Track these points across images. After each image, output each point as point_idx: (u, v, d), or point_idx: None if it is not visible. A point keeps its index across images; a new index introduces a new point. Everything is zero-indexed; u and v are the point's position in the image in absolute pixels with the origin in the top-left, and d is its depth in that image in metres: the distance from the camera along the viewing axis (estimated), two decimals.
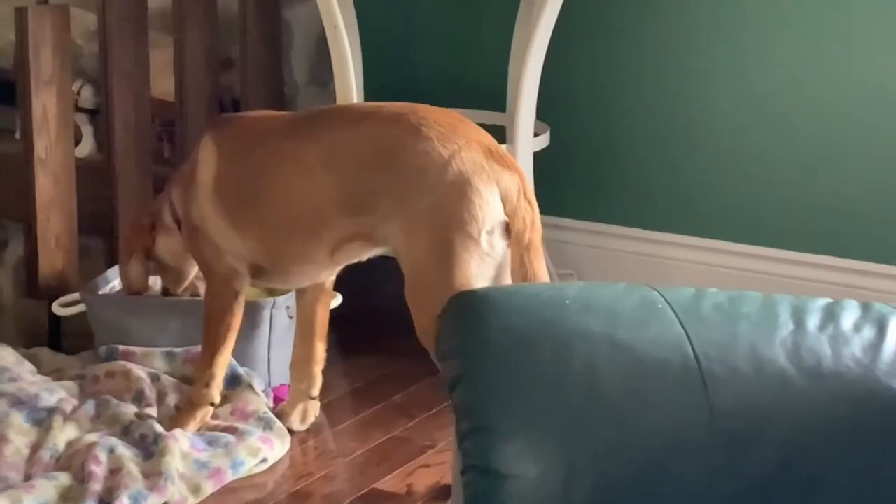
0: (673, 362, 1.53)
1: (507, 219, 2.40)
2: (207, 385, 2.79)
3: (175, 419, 2.79)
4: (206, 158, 2.72)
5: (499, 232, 2.40)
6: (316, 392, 2.92)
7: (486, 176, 2.40)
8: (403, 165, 2.44)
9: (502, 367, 1.50)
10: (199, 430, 2.79)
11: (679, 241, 3.65)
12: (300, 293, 2.88)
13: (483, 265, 2.37)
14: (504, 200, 2.40)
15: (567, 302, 1.56)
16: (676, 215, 3.67)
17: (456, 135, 2.43)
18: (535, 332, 1.53)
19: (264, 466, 2.76)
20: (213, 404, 2.81)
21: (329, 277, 2.83)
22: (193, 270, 2.97)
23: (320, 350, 2.90)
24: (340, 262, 2.72)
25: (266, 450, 2.76)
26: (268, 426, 2.82)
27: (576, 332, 1.53)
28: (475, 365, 1.51)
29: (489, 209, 2.38)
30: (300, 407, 2.92)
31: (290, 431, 2.88)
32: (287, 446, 2.83)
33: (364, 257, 2.72)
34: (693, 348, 1.54)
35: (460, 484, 1.51)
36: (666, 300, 1.59)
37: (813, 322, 1.59)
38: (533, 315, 1.54)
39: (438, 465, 2.79)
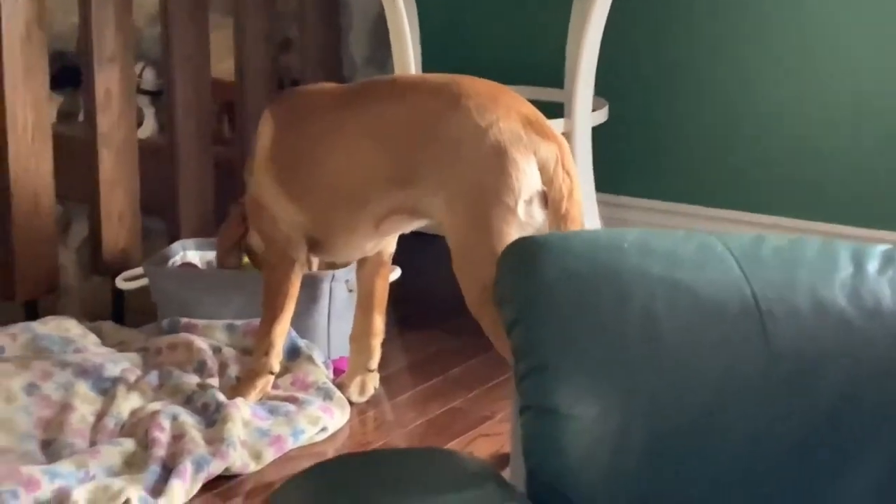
0: (732, 304, 1.53)
1: (544, 189, 2.41)
2: (267, 354, 2.81)
3: (236, 388, 2.82)
4: (264, 130, 2.77)
5: (537, 202, 2.41)
6: (374, 365, 2.94)
7: (523, 146, 2.41)
8: (442, 137, 2.46)
9: (560, 308, 1.51)
10: (259, 399, 2.82)
11: (738, 218, 3.64)
12: (359, 266, 2.90)
13: (523, 235, 2.38)
14: (542, 170, 2.41)
15: (625, 245, 1.57)
16: (736, 192, 3.65)
17: (495, 105, 2.45)
18: (592, 274, 1.53)
19: (324, 435, 2.78)
20: (272, 373, 2.84)
21: (379, 249, 2.85)
22: None
23: (379, 323, 2.91)
24: (386, 235, 2.74)
25: (326, 419, 2.78)
26: (328, 396, 2.84)
27: (634, 275, 1.53)
28: (533, 306, 1.52)
29: (526, 179, 2.40)
30: (359, 379, 2.94)
31: (350, 403, 2.90)
32: (347, 416, 2.85)
33: (408, 230, 2.74)
34: (752, 290, 1.54)
35: (518, 424, 1.52)
36: (725, 244, 1.59)
37: (872, 266, 1.59)
38: (591, 258, 1.55)
39: (497, 434, 2.80)
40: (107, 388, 2.80)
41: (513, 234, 2.37)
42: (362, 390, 2.94)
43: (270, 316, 2.80)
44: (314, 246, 2.78)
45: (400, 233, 2.75)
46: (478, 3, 3.87)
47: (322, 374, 2.93)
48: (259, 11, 3.66)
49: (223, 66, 3.67)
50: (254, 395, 2.81)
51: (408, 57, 3.26)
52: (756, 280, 1.55)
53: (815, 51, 3.49)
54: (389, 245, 2.87)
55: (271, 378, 2.84)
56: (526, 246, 1.60)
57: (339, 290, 3.04)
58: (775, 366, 1.50)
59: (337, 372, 3.03)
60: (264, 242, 2.83)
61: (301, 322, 2.94)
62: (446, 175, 2.46)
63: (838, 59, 3.47)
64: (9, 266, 3.18)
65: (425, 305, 3.50)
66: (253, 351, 2.86)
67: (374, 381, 2.96)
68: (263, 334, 2.82)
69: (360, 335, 2.93)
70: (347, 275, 3.04)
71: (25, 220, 3.17)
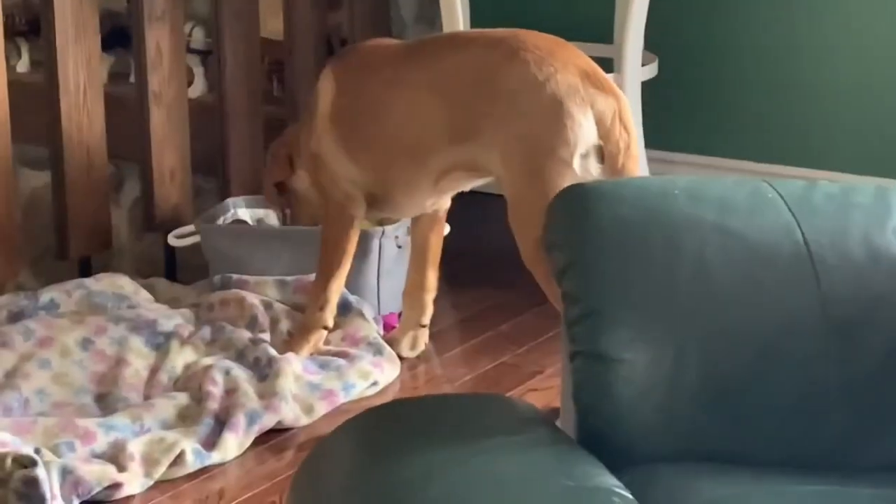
0: (783, 249, 1.52)
1: (601, 143, 2.40)
2: (322, 309, 2.83)
3: (289, 343, 2.84)
4: (325, 87, 2.77)
5: (593, 156, 2.40)
6: (426, 320, 2.95)
7: (579, 99, 2.40)
8: (500, 90, 2.46)
9: (612, 254, 1.51)
10: (311, 354, 2.84)
11: (789, 173, 3.61)
12: (414, 222, 2.91)
13: None
14: (598, 124, 2.40)
15: (676, 192, 1.57)
16: (787, 146, 3.63)
17: (553, 58, 2.44)
18: (644, 220, 1.53)
19: (375, 389, 2.80)
20: (326, 328, 2.85)
21: (435, 206, 2.85)
22: None
23: (432, 278, 2.92)
24: (445, 192, 2.74)
25: (377, 373, 2.80)
26: (378, 351, 2.86)
27: (685, 221, 1.53)
28: (585, 252, 1.52)
29: (582, 133, 2.39)
30: (411, 334, 2.95)
31: (400, 358, 2.91)
32: (397, 371, 2.87)
33: (468, 187, 2.74)
34: (804, 236, 1.53)
35: (569, 371, 1.52)
36: (776, 190, 1.59)
37: None
38: (642, 204, 1.55)
39: (547, 388, 2.81)
40: (160, 343, 2.83)
41: None
42: (414, 345, 2.95)
43: (327, 271, 2.81)
44: (373, 202, 2.78)
45: (460, 190, 2.75)
46: None
47: (372, 329, 2.94)
48: None
49: (272, 24, 3.67)
50: (306, 349, 2.83)
51: (456, 14, 3.26)
52: (808, 226, 1.54)
53: (863, 8, 3.45)
54: (445, 201, 2.87)
55: (324, 333, 2.86)
56: (577, 192, 1.60)
57: (389, 247, 3.05)
58: (828, 311, 1.50)
59: (387, 327, 3.04)
60: (323, 199, 2.83)
61: (351, 278, 2.94)
62: (503, 128, 2.46)
63: (891, 8, 3.43)
64: (63, 224, 3.21)
65: (474, 262, 3.50)
66: (307, 306, 2.87)
67: (424, 337, 2.97)
68: (319, 289, 2.83)
69: (413, 290, 2.94)
70: (397, 231, 3.05)
71: (78, 178, 3.20)
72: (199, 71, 3.85)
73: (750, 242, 1.53)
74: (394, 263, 3.06)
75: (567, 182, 2.34)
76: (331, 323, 2.85)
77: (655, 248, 1.52)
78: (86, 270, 3.26)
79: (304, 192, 2.94)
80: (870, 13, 3.45)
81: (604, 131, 2.40)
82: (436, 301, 2.98)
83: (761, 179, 1.62)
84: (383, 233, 3.03)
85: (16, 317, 2.88)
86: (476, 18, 3.55)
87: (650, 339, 1.48)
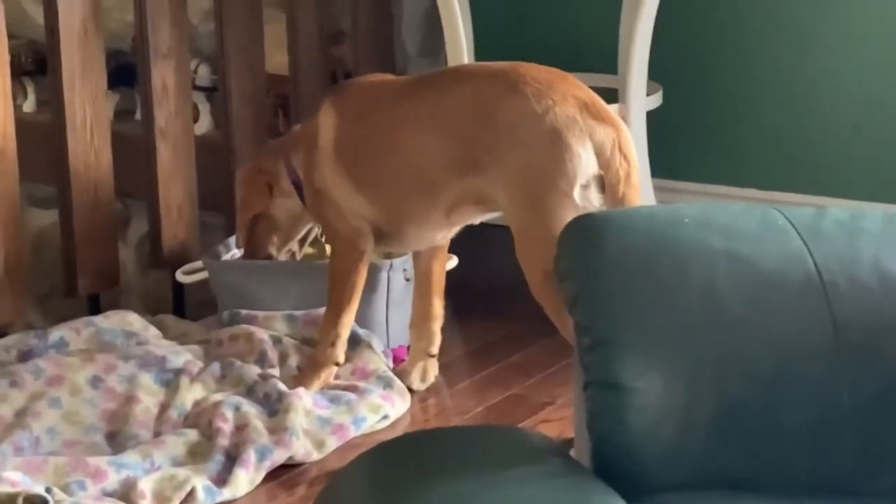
0: (794, 276, 1.52)
1: (601, 173, 2.41)
2: (333, 345, 2.82)
3: (299, 379, 2.84)
4: (327, 123, 2.77)
5: (594, 186, 2.41)
6: (435, 350, 2.95)
7: (578, 130, 2.41)
8: (500, 123, 2.48)
9: (622, 282, 1.51)
10: (321, 389, 2.83)
11: (795, 201, 3.61)
12: (416, 252, 2.91)
13: None
14: (598, 154, 2.41)
15: (685, 220, 1.57)
16: (795, 174, 3.63)
17: (552, 90, 2.46)
18: (653, 248, 1.53)
19: (386, 423, 2.79)
20: (337, 364, 2.85)
21: (445, 239, 2.86)
22: (300, 233, 3.03)
23: (438, 307, 2.92)
24: (456, 224, 2.74)
25: (387, 407, 2.80)
26: (388, 384, 2.86)
27: (695, 248, 1.53)
28: (595, 281, 1.52)
29: (581, 164, 2.40)
30: (420, 365, 2.95)
31: (410, 390, 2.91)
32: (407, 404, 2.86)
33: (478, 220, 2.74)
34: (814, 262, 1.53)
35: (582, 401, 1.52)
36: (786, 217, 1.59)
37: None
38: (651, 233, 1.55)
39: (558, 420, 2.80)
40: (170, 380, 2.82)
41: (569, 218, 2.35)
42: (424, 377, 2.95)
43: (337, 307, 2.81)
44: (382, 237, 2.79)
45: (471, 222, 2.75)
46: None
47: (382, 362, 2.94)
48: (312, 5, 3.67)
49: (277, 59, 3.68)
50: (317, 385, 2.82)
51: (460, 47, 3.27)
52: (818, 252, 1.54)
53: (869, 35, 3.46)
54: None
55: (335, 369, 2.86)
56: (586, 223, 1.60)
57: (397, 280, 3.05)
58: (840, 337, 1.50)
59: (396, 360, 3.04)
60: (329, 234, 2.84)
61: (360, 311, 2.94)
62: (505, 161, 2.47)
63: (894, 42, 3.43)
64: (71, 262, 3.21)
65: (482, 293, 3.50)
66: (318, 341, 2.87)
67: (434, 369, 2.97)
68: (330, 325, 2.83)
69: (419, 320, 2.93)
70: (405, 264, 3.05)
71: (86, 216, 3.20)
72: (204, 107, 3.86)
73: (760, 269, 1.53)
74: (402, 296, 3.06)
75: (568, 213, 2.35)
76: (342, 359, 2.85)
77: (666, 276, 1.52)
78: (94, 308, 3.26)
79: (280, 222, 2.96)
80: (879, 40, 3.46)
81: (603, 161, 2.41)
82: (445, 333, 2.98)
83: (770, 206, 1.62)
84: (391, 266, 3.03)
85: (25, 356, 2.88)
86: (480, 51, 3.56)
87: (662, 367, 1.48)
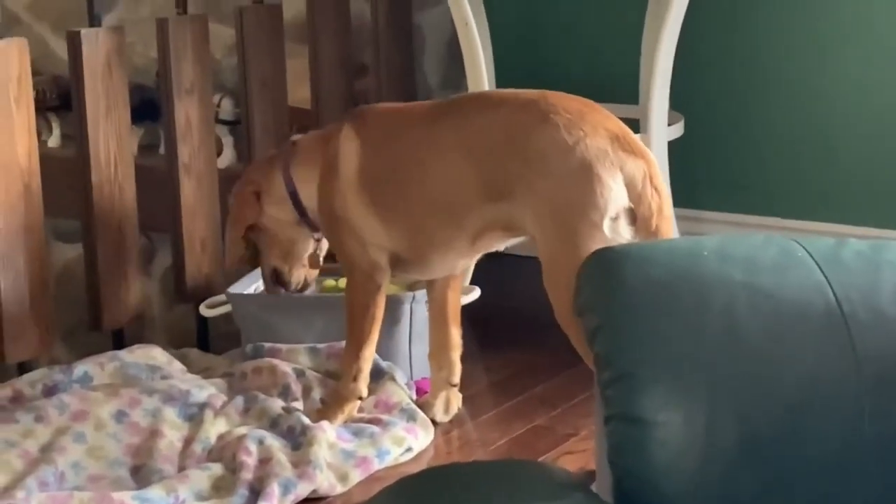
0: (814, 308, 1.52)
1: (632, 205, 2.41)
2: (355, 379, 2.82)
3: (322, 412, 2.84)
4: (349, 149, 2.75)
5: (624, 219, 2.42)
6: (456, 379, 2.94)
7: (609, 163, 2.42)
8: (531, 152, 2.48)
9: (642, 315, 1.51)
10: (345, 423, 2.84)
11: (816, 229, 3.61)
12: (431, 281, 2.90)
13: None
14: (629, 187, 2.42)
15: (705, 253, 1.57)
16: (816, 203, 3.62)
17: (583, 122, 2.46)
18: (673, 281, 1.53)
19: (409, 456, 2.79)
20: (360, 398, 2.85)
21: (466, 266, 2.86)
22: (306, 248, 2.96)
23: (455, 335, 2.91)
24: (480, 251, 2.75)
25: (411, 439, 2.79)
26: (411, 417, 2.85)
27: (715, 281, 1.53)
28: (615, 314, 1.52)
29: (612, 196, 2.41)
30: (443, 396, 2.94)
31: (434, 422, 2.90)
32: (431, 436, 2.86)
33: (502, 246, 2.74)
34: (835, 294, 1.53)
35: (603, 433, 1.52)
36: (805, 249, 1.59)
37: None
38: (671, 266, 1.55)
39: (582, 451, 2.79)
40: (193, 414, 2.83)
41: None
42: (447, 408, 2.94)
43: (356, 340, 2.81)
44: (401, 264, 2.78)
45: (494, 249, 2.75)
46: (550, 22, 3.88)
47: (405, 394, 2.94)
48: (333, 38, 3.70)
49: (299, 93, 3.71)
50: (340, 419, 2.82)
51: (481, 76, 3.28)
52: (838, 284, 1.54)
53: (893, 64, 3.45)
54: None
55: (358, 403, 2.86)
56: (606, 255, 1.60)
57: (420, 311, 3.05)
58: (861, 369, 1.49)
59: (419, 392, 3.04)
60: (346, 265, 2.83)
61: (382, 343, 2.94)
62: (535, 190, 2.48)
63: None
64: (95, 296, 3.23)
65: (505, 324, 3.50)
66: (341, 375, 2.87)
67: (457, 400, 2.96)
68: (351, 359, 2.82)
69: (438, 351, 2.93)
70: (427, 295, 3.05)
71: (110, 250, 3.22)
72: (227, 141, 3.89)
73: (781, 301, 1.52)
74: (425, 328, 3.05)
75: (598, 245, 2.34)
76: (365, 393, 2.85)
77: (686, 308, 1.52)
78: (119, 342, 3.28)
79: (274, 231, 2.91)
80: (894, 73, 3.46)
81: (635, 194, 2.42)
82: (468, 364, 2.98)
83: (790, 238, 1.62)
84: (414, 297, 3.04)
85: (50, 390, 2.89)
86: (501, 83, 3.57)
87: (684, 400, 1.48)
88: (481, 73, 3.28)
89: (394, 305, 2.99)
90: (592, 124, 2.46)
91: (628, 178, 2.42)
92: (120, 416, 2.79)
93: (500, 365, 3.29)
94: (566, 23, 3.86)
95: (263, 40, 3.53)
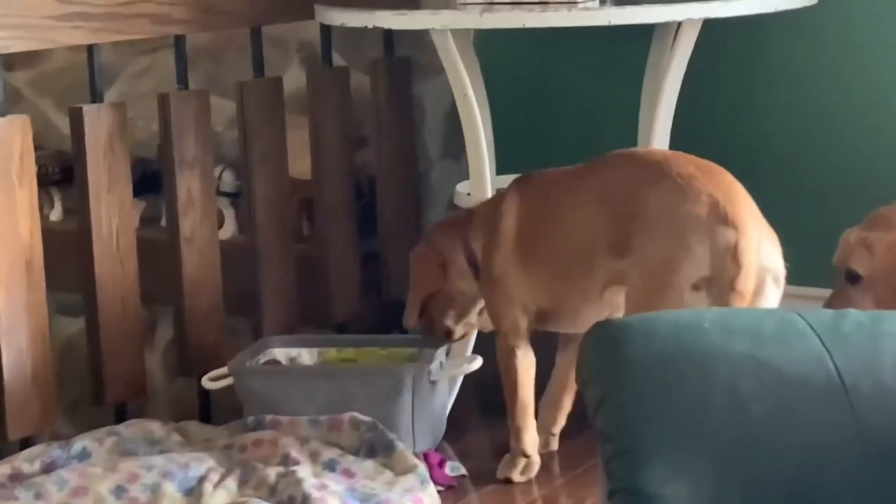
0: (816, 380, 1.52)
1: (709, 275, 2.49)
2: (518, 439, 2.91)
3: (502, 470, 2.94)
4: (510, 209, 2.88)
5: (705, 288, 2.50)
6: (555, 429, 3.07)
7: (701, 231, 2.51)
8: (642, 211, 2.61)
9: (645, 389, 1.52)
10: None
11: (818, 295, 3.60)
12: (566, 338, 2.98)
13: None
14: (712, 256, 2.50)
15: (706, 325, 1.58)
16: (818, 268, 3.62)
17: (689, 187, 2.56)
18: (676, 354, 1.54)
19: None
20: (526, 456, 2.91)
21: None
22: (477, 308, 3.06)
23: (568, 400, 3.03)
24: (610, 305, 2.77)
25: None
26: (418, 486, 2.84)
27: (717, 353, 1.54)
28: (618, 388, 1.52)
29: (695, 265, 2.50)
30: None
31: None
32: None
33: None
34: (835, 365, 1.53)
35: None
36: (805, 321, 1.59)
37: None
38: (673, 339, 1.56)
39: None
40: (192, 488, 2.81)
41: None
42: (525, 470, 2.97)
43: (508, 400, 2.91)
44: (544, 319, 2.87)
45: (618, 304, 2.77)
46: (548, 92, 3.90)
47: (415, 463, 2.92)
48: (334, 110, 3.72)
49: (300, 164, 3.72)
50: (515, 474, 2.92)
51: (481, 146, 3.29)
52: (839, 355, 1.54)
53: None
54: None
55: (524, 461, 2.91)
56: (607, 328, 1.61)
57: (422, 383, 3.04)
58: (865, 441, 1.49)
59: (431, 468, 3.01)
60: (494, 323, 2.93)
61: (383, 417, 2.95)
62: (641, 247, 2.59)
63: None
64: (98, 371, 3.22)
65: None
66: (511, 438, 2.95)
67: (535, 465, 2.97)
68: (510, 419, 2.92)
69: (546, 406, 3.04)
70: (429, 366, 3.04)
71: (113, 324, 3.22)
72: (229, 213, 3.90)
73: (783, 373, 1.53)
74: (427, 400, 3.05)
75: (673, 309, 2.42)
76: (530, 451, 2.92)
77: (689, 381, 1.52)
78: (121, 416, 3.27)
79: (454, 297, 3.02)
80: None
81: (713, 264, 2.50)
82: (474, 434, 2.98)
83: (790, 310, 1.62)
84: (414, 370, 3.03)
85: (49, 466, 2.88)
86: (500, 152, 3.58)
87: (688, 474, 1.48)
88: (481, 143, 3.29)
89: (395, 378, 2.99)
90: (697, 190, 2.55)
91: (713, 247, 2.51)
92: (119, 491, 2.77)
93: (504, 435, 3.27)
94: (564, 92, 3.88)
95: (264, 113, 3.55)
